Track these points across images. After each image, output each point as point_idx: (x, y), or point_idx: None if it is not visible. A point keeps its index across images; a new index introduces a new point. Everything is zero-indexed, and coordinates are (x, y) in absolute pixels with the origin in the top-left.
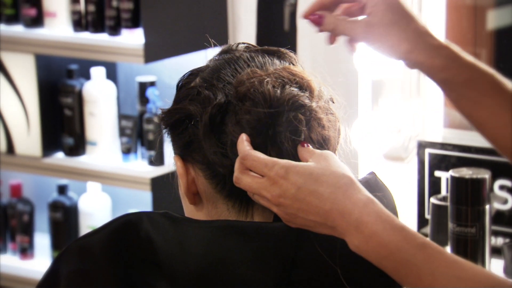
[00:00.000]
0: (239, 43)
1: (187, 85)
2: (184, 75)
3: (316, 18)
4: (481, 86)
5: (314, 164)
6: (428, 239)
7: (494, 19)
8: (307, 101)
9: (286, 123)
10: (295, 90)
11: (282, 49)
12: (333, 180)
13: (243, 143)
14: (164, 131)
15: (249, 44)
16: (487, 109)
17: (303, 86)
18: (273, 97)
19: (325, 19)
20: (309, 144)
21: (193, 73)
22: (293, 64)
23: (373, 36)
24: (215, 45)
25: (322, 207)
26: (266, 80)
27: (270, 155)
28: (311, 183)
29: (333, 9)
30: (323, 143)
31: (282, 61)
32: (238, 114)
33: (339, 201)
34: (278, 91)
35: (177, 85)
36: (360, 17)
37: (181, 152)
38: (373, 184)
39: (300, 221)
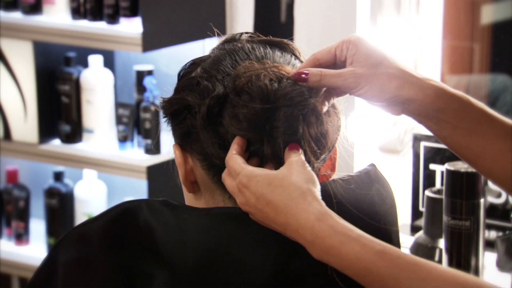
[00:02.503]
0: (242, 33)
1: (188, 75)
2: (186, 64)
3: (299, 75)
4: (474, 115)
5: (276, 172)
6: (386, 244)
7: (491, 14)
8: (304, 95)
9: (283, 118)
10: (292, 84)
11: (285, 40)
12: (288, 192)
13: (233, 145)
14: (164, 119)
15: (253, 34)
16: (483, 138)
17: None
18: (270, 92)
19: (309, 74)
20: (297, 147)
21: (195, 63)
22: (296, 56)
23: (362, 80)
24: (213, 35)
25: (278, 219)
26: (263, 74)
27: (266, 150)
28: (268, 193)
29: None
30: (322, 138)
31: (284, 53)
32: (236, 107)
33: (293, 215)
34: (275, 85)
35: (179, 74)
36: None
37: (180, 141)
38: (372, 175)
39: (272, 227)
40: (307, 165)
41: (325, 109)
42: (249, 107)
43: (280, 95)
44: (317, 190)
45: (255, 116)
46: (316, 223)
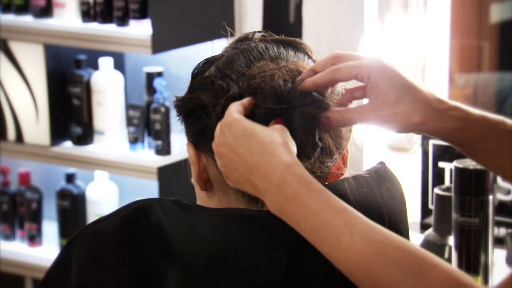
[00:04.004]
0: (255, 32)
1: (202, 74)
2: (199, 64)
3: (324, 122)
4: (497, 136)
5: (261, 126)
6: (348, 205)
7: (499, 12)
8: (318, 95)
9: (299, 119)
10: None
11: (298, 40)
12: (266, 139)
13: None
14: (177, 118)
15: (266, 33)
16: (509, 156)
17: None
18: (284, 92)
19: (331, 118)
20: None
21: (208, 62)
22: (308, 55)
23: (382, 118)
24: (224, 35)
25: (249, 160)
26: (277, 75)
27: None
28: (246, 136)
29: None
30: (337, 138)
31: (297, 52)
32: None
33: (265, 159)
34: (289, 85)
35: (192, 73)
36: (364, 100)
37: (194, 140)
38: (382, 173)
39: (233, 174)
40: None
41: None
42: (263, 107)
43: (294, 95)
44: (295, 151)
45: (270, 116)
46: (287, 169)
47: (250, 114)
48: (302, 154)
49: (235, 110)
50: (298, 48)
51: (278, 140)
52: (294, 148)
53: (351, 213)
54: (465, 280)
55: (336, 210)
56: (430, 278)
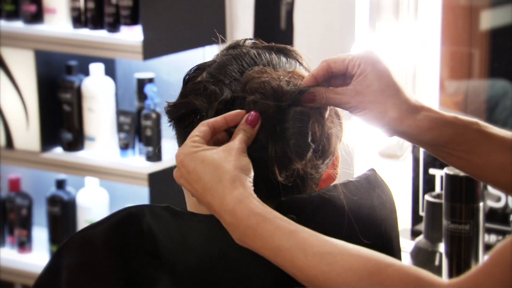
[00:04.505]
0: (246, 39)
1: (194, 80)
2: (191, 69)
3: (307, 97)
4: (470, 136)
5: (214, 152)
6: (301, 226)
7: (489, 19)
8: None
9: (291, 119)
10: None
11: (289, 47)
12: (219, 174)
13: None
14: (168, 124)
15: (257, 40)
16: (481, 157)
17: None
18: (284, 92)
19: (316, 94)
20: (256, 120)
21: (200, 68)
22: (299, 62)
23: (361, 104)
24: (216, 41)
25: (205, 197)
26: (276, 78)
27: (270, 151)
28: (200, 170)
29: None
30: (325, 140)
31: (288, 59)
32: (244, 108)
33: (217, 197)
34: (286, 87)
35: (184, 79)
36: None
37: None
38: (372, 180)
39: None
40: (245, 153)
41: (326, 114)
42: (258, 104)
43: (291, 95)
44: (249, 178)
45: (264, 114)
46: (236, 205)
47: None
48: (295, 155)
49: (190, 141)
50: (289, 54)
51: (226, 176)
52: (248, 176)
53: (302, 232)
54: (423, 274)
55: (288, 233)
56: (387, 276)
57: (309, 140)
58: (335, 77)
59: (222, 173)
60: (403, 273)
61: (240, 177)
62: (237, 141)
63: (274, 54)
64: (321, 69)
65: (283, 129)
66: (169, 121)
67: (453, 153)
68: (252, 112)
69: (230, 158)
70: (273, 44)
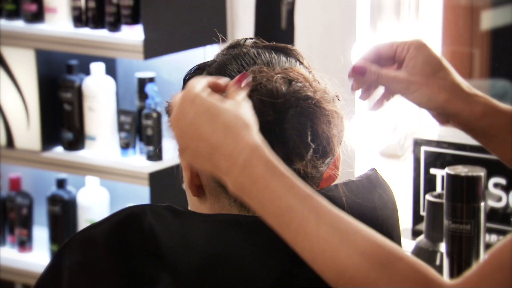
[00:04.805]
0: (247, 38)
1: None
2: (191, 69)
3: (359, 68)
4: None
5: (225, 104)
6: (314, 192)
7: (490, 19)
8: (312, 94)
9: (291, 118)
10: (300, 84)
11: (289, 46)
12: (230, 118)
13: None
14: (169, 123)
15: (257, 39)
16: None
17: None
18: (280, 93)
19: (367, 69)
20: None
21: (200, 68)
22: (300, 61)
23: (413, 87)
24: (216, 41)
25: (213, 139)
26: (274, 78)
27: (274, 149)
28: (210, 114)
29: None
30: (325, 140)
31: (288, 58)
32: None
33: (230, 140)
34: (284, 88)
35: (184, 79)
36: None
37: None
38: (374, 180)
39: (190, 151)
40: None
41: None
42: (257, 103)
43: (289, 95)
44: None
45: (262, 113)
46: (254, 151)
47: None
48: (295, 155)
49: (197, 84)
50: (290, 54)
51: (243, 119)
52: (256, 127)
53: (317, 200)
54: (430, 274)
55: (303, 196)
56: (397, 270)
57: (309, 140)
58: (384, 60)
59: (238, 117)
60: (413, 270)
61: (251, 124)
62: (239, 98)
63: (274, 54)
64: (370, 52)
65: (282, 130)
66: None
67: (504, 143)
68: (242, 76)
69: (244, 111)
70: (274, 43)
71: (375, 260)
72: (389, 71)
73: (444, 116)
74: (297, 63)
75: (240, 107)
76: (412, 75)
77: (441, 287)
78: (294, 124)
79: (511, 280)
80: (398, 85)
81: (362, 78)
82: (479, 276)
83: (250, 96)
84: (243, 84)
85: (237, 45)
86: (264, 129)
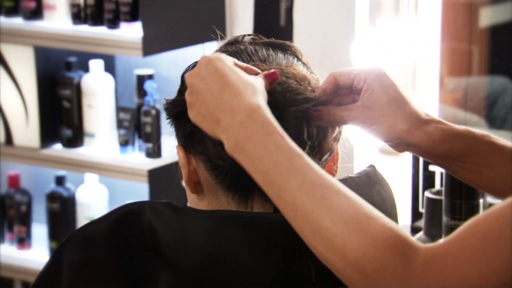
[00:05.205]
0: (245, 35)
1: None
2: (189, 66)
3: (316, 115)
4: (482, 149)
5: (243, 73)
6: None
7: (489, 16)
8: (307, 93)
9: (289, 119)
10: (294, 83)
11: (288, 42)
12: (243, 83)
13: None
14: (167, 121)
15: (256, 36)
16: (494, 169)
17: (303, 81)
18: (275, 90)
19: (323, 113)
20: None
21: None
22: (298, 58)
23: (370, 119)
24: (215, 38)
25: (219, 96)
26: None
27: None
28: (223, 73)
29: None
30: (321, 137)
31: (286, 55)
32: None
33: (236, 97)
34: (278, 86)
35: (182, 76)
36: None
37: (183, 142)
38: (372, 176)
39: (197, 106)
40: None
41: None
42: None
43: (283, 94)
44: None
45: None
46: (255, 109)
47: None
48: None
49: (226, 56)
50: (288, 50)
51: (254, 86)
52: (265, 97)
53: (306, 159)
54: (404, 235)
55: (293, 154)
56: (372, 226)
57: (305, 137)
58: (342, 89)
59: (249, 83)
60: (386, 228)
61: (259, 89)
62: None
63: (271, 50)
64: (329, 83)
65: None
66: (168, 118)
67: (465, 166)
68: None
69: (259, 83)
70: (272, 40)
71: (349, 217)
72: (344, 109)
73: (403, 146)
74: (295, 59)
75: (256, 80)
76: (368, 107)
77: (414, 249)
78: (291, 121)
79: (483, 249)
80: (355, 121)
81: (322, 122)
82: (453, 244)
83: None
84: (270, 81)
85: (235, 41)
86: None
